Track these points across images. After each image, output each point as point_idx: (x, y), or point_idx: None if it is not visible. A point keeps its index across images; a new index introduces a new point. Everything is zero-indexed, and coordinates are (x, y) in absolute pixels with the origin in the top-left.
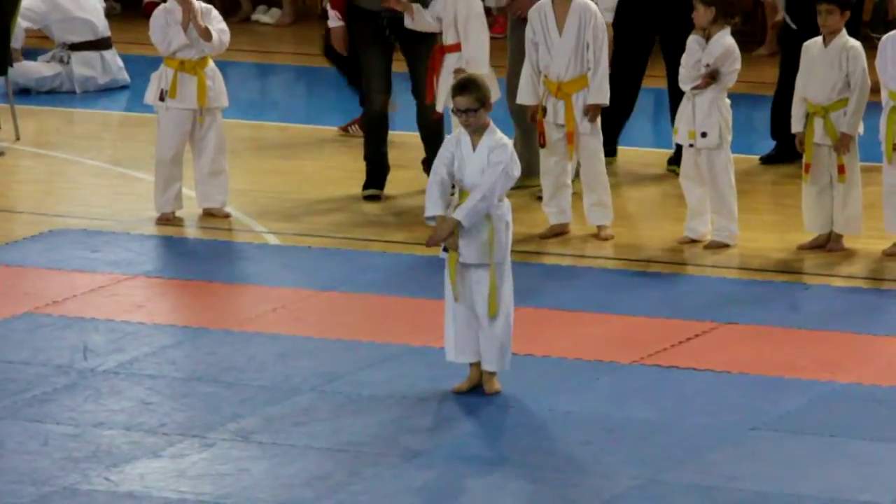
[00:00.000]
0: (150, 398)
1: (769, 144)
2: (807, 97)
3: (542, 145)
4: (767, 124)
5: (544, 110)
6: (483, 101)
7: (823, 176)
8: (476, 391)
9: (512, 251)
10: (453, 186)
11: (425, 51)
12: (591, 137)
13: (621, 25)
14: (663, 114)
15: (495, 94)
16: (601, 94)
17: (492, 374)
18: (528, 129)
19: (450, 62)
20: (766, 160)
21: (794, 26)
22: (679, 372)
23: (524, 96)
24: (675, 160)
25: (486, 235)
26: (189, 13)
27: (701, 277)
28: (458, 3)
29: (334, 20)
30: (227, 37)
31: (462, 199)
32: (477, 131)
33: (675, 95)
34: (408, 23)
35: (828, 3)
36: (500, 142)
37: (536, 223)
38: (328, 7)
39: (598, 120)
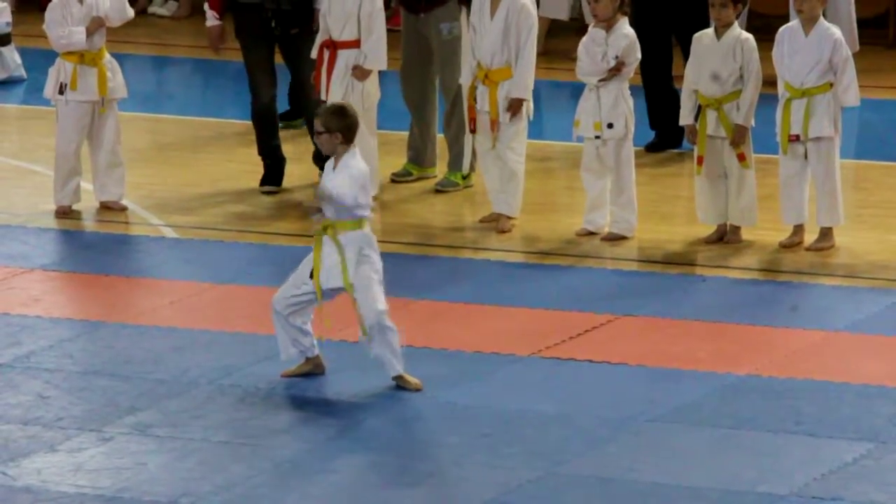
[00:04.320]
0: (48, 392)
1: (648, 134)
2: (699, 89)
3: (473, 131)
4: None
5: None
6: (328, 128)
7: (716, 168)
8: (373, 384)
9: (408, 244)
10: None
11: (307, 45)
12: (508, 128)
13: (639, 27)
14: (566, 106)
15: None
16: (521, 88)
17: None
18: (424, 120)
19: (346, 58)
20: (651, 148)
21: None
22: (577, 364)
23: (464, 77)
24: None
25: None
26: (96, 26)
27: (599, 269)
28: None
29: (211, 19)
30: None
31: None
32: (332, 154)
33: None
34: None
35: None
36: (351, 165)
37: (434, 214)
38: (206, 7)
39: (522, 113)
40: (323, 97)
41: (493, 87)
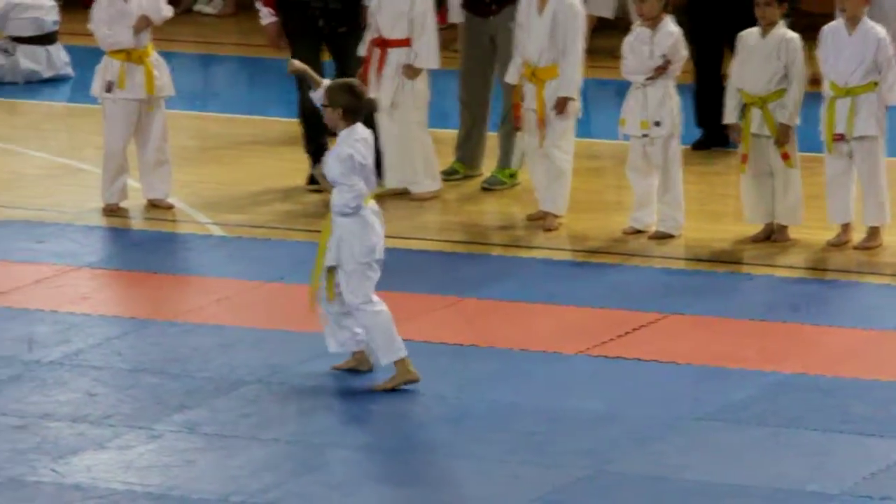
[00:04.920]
0: (96, 389)
1: (694, 133)
2: (743, 88)
3: (517, 128)
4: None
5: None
6: (331, 103)
7: (762, 166)
8: (420, 382)
9: (456, 242)
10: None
11: (354, 43)
12: (556, 126)
13: (692, 24)
14: (613, 104)
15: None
16: (568, 86)
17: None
18: (478, 121)
19: (398, 57)
20: (698, 146)
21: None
22: (625, 362)
23: (511, 75)
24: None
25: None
26: (143, 25)
27: (646, 268)
28: None
29: (267, 17)
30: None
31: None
32: (335, 129)
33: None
34: None
35: None
36: (347, 146)
37: (482, 212)
38: (259, 5)
39: (569, 111)
40: (372, 95)
41: (540, 86)
